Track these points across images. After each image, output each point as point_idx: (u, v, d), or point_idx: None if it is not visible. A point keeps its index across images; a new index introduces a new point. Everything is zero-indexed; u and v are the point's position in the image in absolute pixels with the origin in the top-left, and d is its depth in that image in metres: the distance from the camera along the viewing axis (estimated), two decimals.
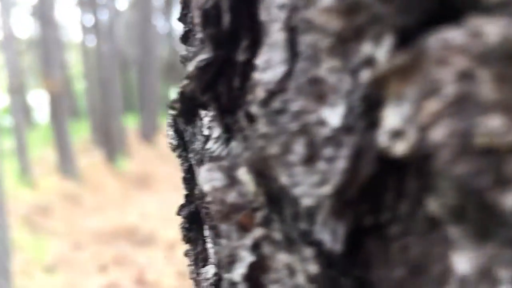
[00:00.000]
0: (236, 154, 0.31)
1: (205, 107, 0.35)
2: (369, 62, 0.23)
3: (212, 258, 0.38)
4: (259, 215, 0.29)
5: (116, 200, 7.78)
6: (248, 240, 0.29)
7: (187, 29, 0.39)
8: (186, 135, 0.42)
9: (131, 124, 13.79)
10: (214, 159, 0.33)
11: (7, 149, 7.57)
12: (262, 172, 0.28)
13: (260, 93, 0.28)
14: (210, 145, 0.35)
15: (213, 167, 0.31)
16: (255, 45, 0.29)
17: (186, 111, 0.37)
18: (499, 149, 0.20)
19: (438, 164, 0.21)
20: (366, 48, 0.24)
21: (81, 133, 12.09)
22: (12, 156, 7.42)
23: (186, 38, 0.40)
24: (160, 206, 7.69)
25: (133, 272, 4.87)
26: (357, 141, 0.24)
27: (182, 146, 0.43)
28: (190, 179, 0.42)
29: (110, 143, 9.45)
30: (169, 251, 5.52)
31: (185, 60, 0.37)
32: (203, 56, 0.31)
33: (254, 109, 0.28)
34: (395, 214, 0.25)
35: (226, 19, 0.30)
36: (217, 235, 0.31)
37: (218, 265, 0.34)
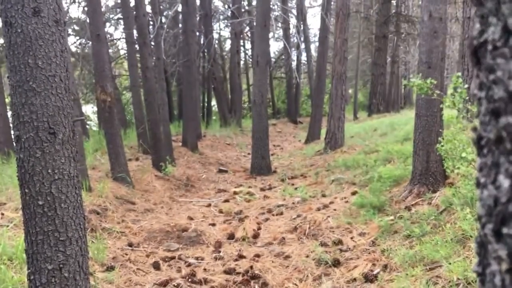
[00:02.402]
0: None
1: None
2: None
3: None
4: None
5: (164, 203, 7.94)
6: None
7: None
8: None
9: (173, 132, 14.01)
10: None
11: None
12: None
13: None
14: None
15: None
16: None
17: None
18: None
19: None
20: None
21: (128, 140, 12.37)
22: None
23: None
24: (205, 208, 7.80)
25: (184, 270, 4.96)
26: None
27: None
28: None
29: (156, 150, 9.64)
30: (216, 250, 5.60)
31: None
32: None
33: None
34: None
35: None
36: None
37: None
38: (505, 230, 0.55)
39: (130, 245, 5.70)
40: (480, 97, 0.58)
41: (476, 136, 0.60)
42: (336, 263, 4.79)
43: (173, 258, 5.36)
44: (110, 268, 4.88)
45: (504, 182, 0.55)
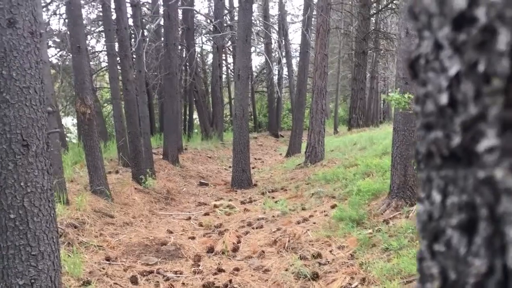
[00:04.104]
0: None
1: None
2: None
3: None
4: None
5: (144, 216, 7.82)
6: None
7: None
8: None
9: (154, 144, 13.89)
10: None
11: None
12: None
13: None
14: None
15: None
16: None
17: None
18: None
19: None
20: None
21: (109, 152, 12.21)
22: None
23: None
24: (185, 222, 7.70)
25: (162, 284, 4.87)
26: None
27: None
28: None
29: (137, 163, 9.53)
30: (195, 264, 5.52)
31: None
32: None
33: None
34: None
35: None
36: None
37: None
38: (436, 247, 0.54)
39: (108, 259, 5.58)
40: (417, 112, 0.58)
41: (414, 151, 0.59)
42: (315, 277, 4.75)
43: (151, 272, 5.26)
44: (86, 283, 4.76)
45: (436, 197, 0.55)
